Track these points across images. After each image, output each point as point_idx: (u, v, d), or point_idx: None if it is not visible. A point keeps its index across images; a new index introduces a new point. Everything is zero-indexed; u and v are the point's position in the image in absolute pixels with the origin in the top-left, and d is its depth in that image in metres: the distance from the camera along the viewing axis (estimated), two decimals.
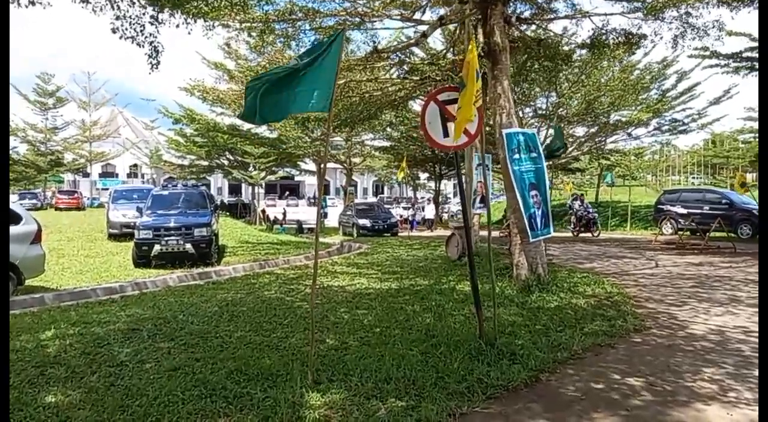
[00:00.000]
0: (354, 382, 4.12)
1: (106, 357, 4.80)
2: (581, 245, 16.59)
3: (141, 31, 7.66)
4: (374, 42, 11.74)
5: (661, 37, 10.95)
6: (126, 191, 21.65)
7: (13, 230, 8.90)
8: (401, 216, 31.96)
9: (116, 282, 9.84)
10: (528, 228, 7.67)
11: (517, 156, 7.77)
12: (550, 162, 20.21)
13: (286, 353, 4.90)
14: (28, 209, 19.81)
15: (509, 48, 8.87)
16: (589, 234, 20.33)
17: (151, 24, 7.68)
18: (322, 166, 30.49)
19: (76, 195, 39.19)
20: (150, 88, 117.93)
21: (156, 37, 7.87)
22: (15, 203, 10.04)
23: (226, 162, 37.02)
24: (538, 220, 7.79)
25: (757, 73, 18.22)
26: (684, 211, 18.40)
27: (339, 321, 6.20)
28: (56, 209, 35.95)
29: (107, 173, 63.41)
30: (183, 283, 10.01)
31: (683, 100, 24.46)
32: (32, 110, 43.35)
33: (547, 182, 8.40)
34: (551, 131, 21.46)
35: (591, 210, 21.16)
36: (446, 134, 5.04)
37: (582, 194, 23.84)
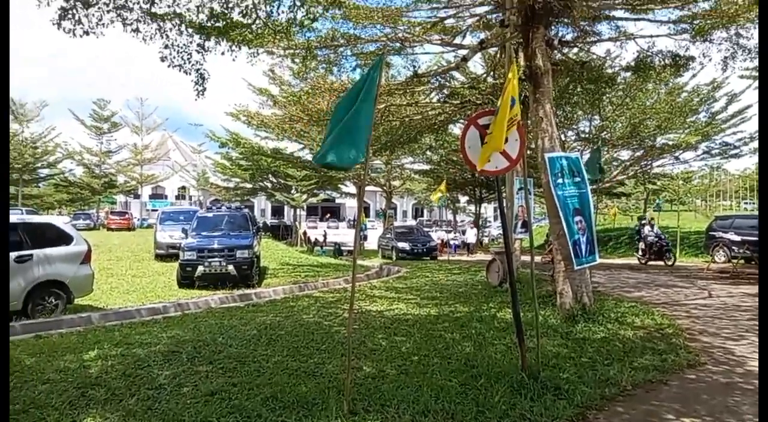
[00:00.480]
0: (391, 414, 4.01)
1: (145, 380, 4.84)
2: (628, 273, 16.00)
3: (188, 58, 7.94)
4: (414, 67, 11.80)
5: (710, 59, 10.62)
6: (173, 212, 22.38)
7: (64, 250, 9.26)
8: (441, 239, 31.66)
9: (160, 303, 10.04)
10: (572, 255, 7.41)
11: (560, 181, 7.56)
12: (595, 186, 19.33)
13: (323, 380, 4.83)
14: (81, 230, 20.68)
15: (551, 71, 8.73)
16: (661, 262, 18.76)
17: (198, 52, 7.95)
18: (361, 189, 30.67)
19: (126, 216, 40.74)
20: (196, 111, 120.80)
21: (202, 64, 8.14)
22: (67, 223, 10.45)
23: (269, 185, 37.82)
24: (583, 247, 7.52)
25: None
26: (738, 238, 17.49)
27: (376, 347, 6.10)
28: (108, 229, 37.40)
29: (157, 195, 65.70)
30: (224, 305, 10.13)
31: (734, 122, 23.55)
32: (88, 134, 45.65)
33: (592, 208, 8.13)
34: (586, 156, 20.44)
35: (663, 236, 19.56)
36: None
37: (652, 219, 22.43)
